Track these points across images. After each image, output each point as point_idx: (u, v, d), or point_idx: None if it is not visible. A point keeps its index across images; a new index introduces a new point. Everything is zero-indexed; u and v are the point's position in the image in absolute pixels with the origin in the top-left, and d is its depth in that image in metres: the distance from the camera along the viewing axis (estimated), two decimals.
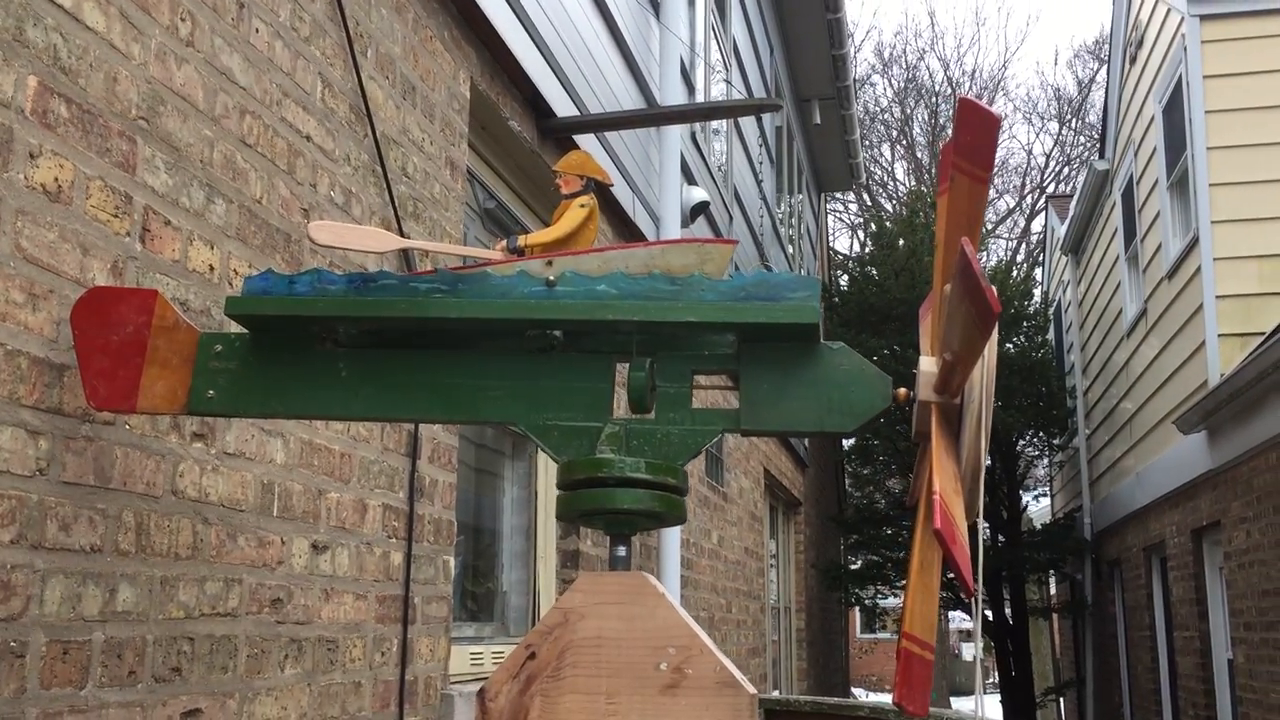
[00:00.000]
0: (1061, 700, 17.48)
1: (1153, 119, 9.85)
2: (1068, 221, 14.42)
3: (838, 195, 22.73)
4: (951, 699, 23.40)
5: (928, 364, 1.59)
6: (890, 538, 14.10)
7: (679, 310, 1.61)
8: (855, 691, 19.81)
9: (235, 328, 1.83)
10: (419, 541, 3.09)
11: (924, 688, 1.49)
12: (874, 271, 14.59)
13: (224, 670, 2.22)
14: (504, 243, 1.77)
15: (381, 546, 2.90)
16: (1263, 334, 7.66)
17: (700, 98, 7.00)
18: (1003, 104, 21.16)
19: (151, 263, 2.08)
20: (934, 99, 25.96)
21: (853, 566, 14.84)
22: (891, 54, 21.89)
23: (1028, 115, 22.96)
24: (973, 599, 1.35)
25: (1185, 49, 8.63)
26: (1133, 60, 10.83)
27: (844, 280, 15.59)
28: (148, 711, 1.99)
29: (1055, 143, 25.15)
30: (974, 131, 1.48)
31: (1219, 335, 8.26)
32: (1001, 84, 22.34)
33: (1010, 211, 25.31)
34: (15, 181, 1.77)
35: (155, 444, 2.06)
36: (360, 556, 2.79)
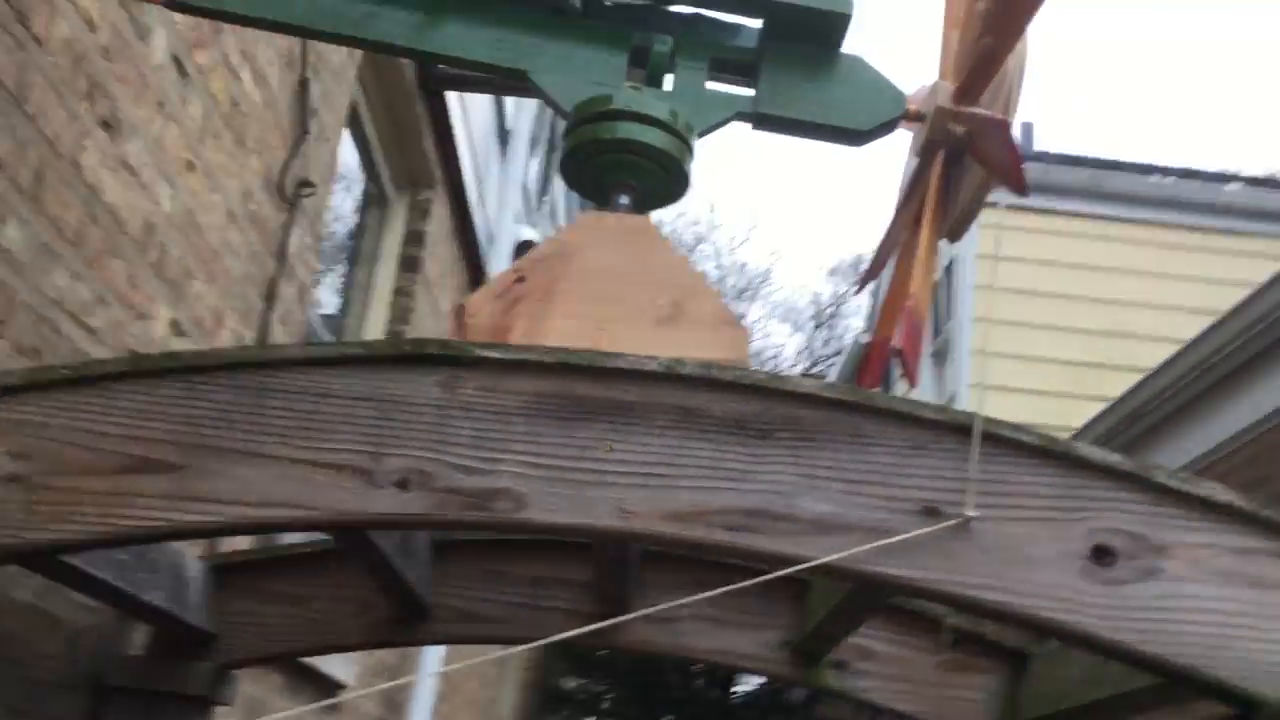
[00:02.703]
0: None
1: None
2: None
3: None
4: None
5: (944, 84, 1.63)
6: None
7: None
8: None
9: None
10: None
11: (917, 349, 1.49)
12: None
13: None
14: None
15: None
16: None
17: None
18: (762, 305, 22.28)
19: None
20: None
21: None
22: (672, 234, 22.82)
23: (784, 316, 24.20)
24: None
25: None
26: None
27: None
28: None
29: (807, 344, 26.53)
30: None
31: None
32: (766, 282, 23.55)
33: None
34: None
35: None
36: None
